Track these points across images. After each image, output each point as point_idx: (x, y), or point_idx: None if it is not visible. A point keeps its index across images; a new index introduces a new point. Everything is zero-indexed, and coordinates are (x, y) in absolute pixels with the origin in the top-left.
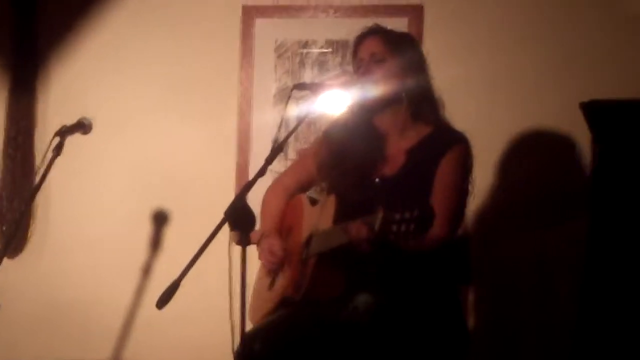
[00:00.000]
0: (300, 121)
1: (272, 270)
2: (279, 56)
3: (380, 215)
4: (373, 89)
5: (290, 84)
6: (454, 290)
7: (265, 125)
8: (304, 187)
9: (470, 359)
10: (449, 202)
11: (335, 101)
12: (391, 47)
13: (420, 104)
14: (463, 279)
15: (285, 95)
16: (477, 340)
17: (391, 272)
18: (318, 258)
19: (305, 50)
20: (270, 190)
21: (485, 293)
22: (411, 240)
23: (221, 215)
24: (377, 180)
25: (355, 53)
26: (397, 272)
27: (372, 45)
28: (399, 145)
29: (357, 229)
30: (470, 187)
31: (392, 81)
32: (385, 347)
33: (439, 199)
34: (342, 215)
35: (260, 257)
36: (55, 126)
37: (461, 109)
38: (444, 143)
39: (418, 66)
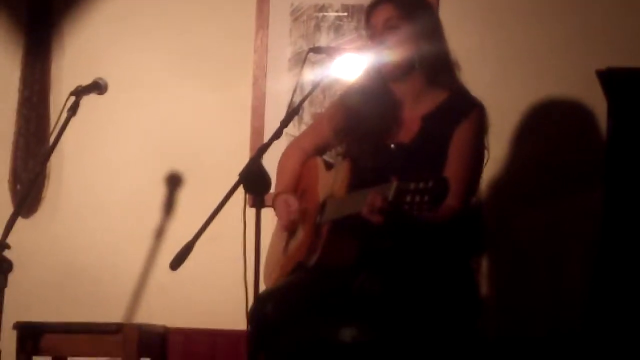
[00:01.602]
0: (315, 85)
1: (287, 226)
2: (295, 20)
3: (394, 185)
4: (387, 56)
5: (305, 48)
6: (466, 259)
7: (280, 89)
8: (320, 150)
9: (482, 328)
10: (463, 172)
11: (351, 65)
12: (405, 12)
13: (436, 69)
14: (476, 248)
15: (301, 60)
16: (489, 308)
17: (404, 242)
18: (332, 225)
19: (320, 14)
20: (287, 151)
21: (498, 262)
22: (425, 211)
23: (235, 179)
24: (392, 146)
25: (367, 20)
26: (410, 241)
27: (385, 12)
28: (415, 111)
29: (372, 199)
30: (485, 155)
31: (406, 47)
32: (397, 316)
33: (453, 168)
34: (357, 180)
35: (276, 213)
36: (69, 87)
37: (476, 78)
38: (460, 110)
39: (433, 31)
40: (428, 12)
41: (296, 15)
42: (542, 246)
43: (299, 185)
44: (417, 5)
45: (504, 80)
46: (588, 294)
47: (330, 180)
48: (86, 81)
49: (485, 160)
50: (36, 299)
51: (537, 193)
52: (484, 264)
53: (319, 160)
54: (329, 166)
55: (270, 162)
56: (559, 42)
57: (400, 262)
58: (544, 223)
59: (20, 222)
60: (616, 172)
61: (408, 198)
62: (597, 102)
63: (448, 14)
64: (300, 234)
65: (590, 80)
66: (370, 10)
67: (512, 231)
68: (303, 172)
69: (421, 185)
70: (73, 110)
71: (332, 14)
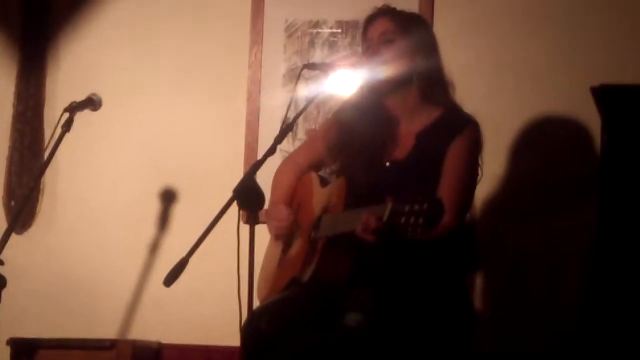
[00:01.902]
0: (309, 101)
1: (279, 235)
2: (289, 36)
3: (389, 206)
4: (382, 70)
5: (299, 64)
6: (461, 276)
7: (274, 105)
8: (314, 167)
9: (477, 345)
10: (457, 189)
11: (345, 82)
12: (400, 27)
13: (431, 85)
14: (471, 264)
15: (295, 76)
16: (484, 324)
17: (398, 260)
18: (326, 241)
19: (315, 30)
20: (281, 167)
21: (492, 280)
22: (419, 234)
23: (229, 194)
24: (387, 164)
25: (364, 34)
26: (405, 259)
27: (382, 26)
28: (409, 128)
29: (366, 219)
30: (479, 172)
31: (402, 62)
32: (391, 332)
33: (447, 185)
34: (352, 198)
35: (268, 223)
36: (64, 103)
37: (471, 92)
38: (454, 127)
39: (428, 47)
40: (424, 28)
41: (290, 31)
42: (537, 261)
43: (294, 200)
44: (414, 20)
45: (499, 95)
46: (583, 309)
47: (325, 197)
48: (81, 95)
49: (479, 178)
50: (30, 314)
51: (532, 208)
52: (479, 280)
53: (313, 176)
54: (323, 182)
55: (264, 179)
56: (554, 58)
57: (394, 279)
58: (538, 238)
59: (14, 236)
60: (610, 188)
61: (403, 219)
62: (591, 118)
63: (443, 29)
64: (295, 249)
65: (584, 96)
66: (367, 24)
67: (507, 247)
68: (298, 187)
69: (416, 207)
70: (67, 126)
71: (326, 31)
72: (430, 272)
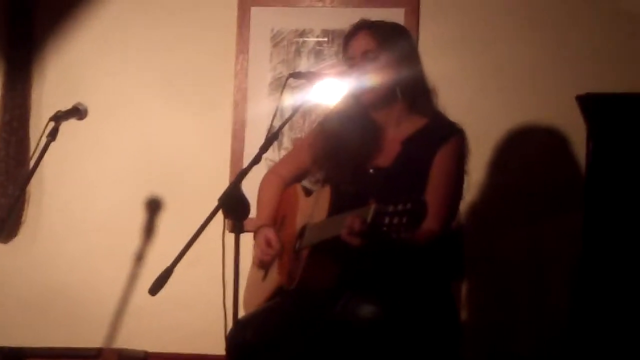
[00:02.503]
0: (295, 110)
1: (263, 264)
2: (275, 45)
3: (372, 207)
4: (367, 85)
5: (285, 73)
6: (447, 284)
7: (260, 114)
8: (299, 177)
9: (462, 353)
10: (443, 196)
11: (331, 91)
12: (383, 42)
13: (415, 96)
14: (456, 273)
15: (281, 85)
16: (469, 334)
17: (384, 266)
18: (312, 249)
19: (301, 39)
20: (265, 179)
21: (478, 287)
22: (403, 233)
23: (215, 203)
24: (371, 170)
25: (345, 50)
26: (391, 266)
27: (364, 43)
28: (395, 135)
29: (351, 221)
30: (465, 180)
31: (386, 77)
32: (377, 341)
33: (433, 193)
34: (337, 206)
35: (255, 250)
36: (50, 112)
37: (456, 101)
38: (440, 135)
39: (410, 58)
40: (405, 38)
41: (276, 40)
42: (524, 269)
43: (278, 213)
44: (394, 33)
45: (485, 104)
46: (569, 315)
47: (310, 206)
48: (67, 105)
49: (465, 189)
50: (16, 323)
51: (518, 216)
52: (465, 288)
53: (298, 188)
54: (308, 193)
55: (250, 187)
56: (539, 67)
57: (380, 285)
58: (525, 246)
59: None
60: (596, 195)
61: (386, 220)
62: (577, 127)
63: (428, 39)
64: (280, 261)
65: (570, 104)
66: (347, 41)
67: (493, 254)
68: (283, 199)
69: (399, 207)
70: (52, 135)
71: (312, 39)
72: (416, 280)
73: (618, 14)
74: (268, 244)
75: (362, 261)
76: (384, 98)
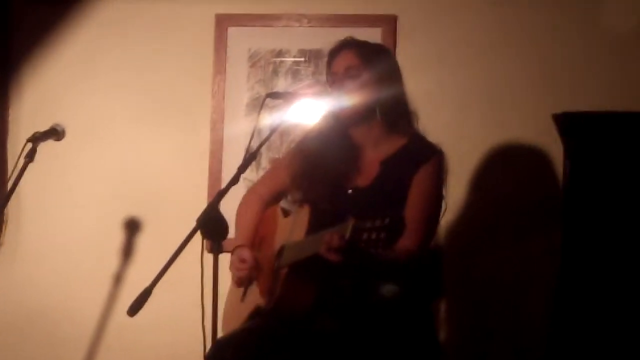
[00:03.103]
0: (273, 130)
1: (241, 281)
2: (252, 65)
3: (351, 223)
4: (348, 102)
5: (263, 93)
6: (426, 303)
7: (237, 134)
8: (278, 196)
9: None
10: (422, 217)
11: (309, 110)
12: (366, 60)
13: (395, 116)
14: (435, 292)
15: (258, 105)
16: (448, 353)
17: (363, 282)
18: (290, 269)
19: (278, 60)
20: (244, 201)
21: (457, 306)
22: (381, 248)
23: (193, 224)
24: (349, 191)
25: (329, 66)
26: (369, 282)
27: (347, 60)
28: (373, 156)
29: (329, 238)
30: (443, 201)
31: (367, 95)
32: (356, 358)
33: (412, 212)
34: (316, 225)
35: (230, 268)
36: (27, 133)
37: (434, 121)
38: (419, 155)
39: (393, 78)
40: (388, 59)
41: (254, 60)
42: (502, 287)
43: (257, 234)
44: (378, 52)
45: (462, 123)
46: (548, 333)
47: (289, 226)
48: (44, 126)
49: (443, 210)
50: None
51: (496, 235)
52: (444, 307)
53: (277, 209)
54: (286, 214)
55: (228, 208)
56: (516, 86)
57: (359, 305)
58: (503, 264)
59: None
60: (573, 213)
61: (365, 236)
62: (554, 145)
63: (406, 57)
64: (259, 282)
65: (547, 123)
66: (332, 57)
67: (472, 273)
68: (262, 221)
69: (377, 223)
70: (30, 156)
71: (289, 59)
72: (395, 299)
73: (597, 32)
74: (241, 260)
75: (341, 279)
76: (363, 116)
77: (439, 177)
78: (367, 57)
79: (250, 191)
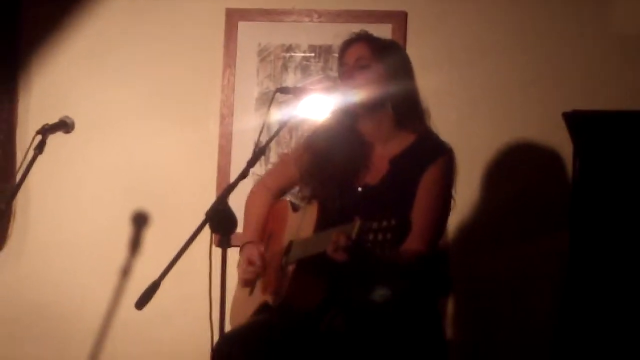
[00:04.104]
0: (282, 125)
1: (246, 282)
2: (262, 60)
3: (357, 223)
4: (356, 94)
5: (272, 87)
6: (433, 302)
7: (246, 129)
8: (287, 189)
9: None
10: (429, 218)
11: (318, 106)
12: (376, 53)
13: (405, 111)
14: (443, 291)
15: (267, 99)
16: (455, 352)
17: (371, 283)
18: (297, 265)
19: (288, 54)
20: (253, 192)
21: (465, 305)
22: (387, 249)
23: (202, 218)
24: (359, 189)
25: (341, 58)
26: (377, 283)
27: (358, 51)
28: (383, 153)
29: (336, 237)
30: (452, 201)
31: (376, 87)
32: (363, 357)
33: (420, 214)
34: (324, 222)
35: (237, 269)
36: (36, 126)
37: (443, 118)
38: (428, 154)
39: (403, 73)
40: (400, 54)
41: (263, 55)
42: (510, 287)
43: (266, 228)
44: (390, 47)
45: (472, 122)
46: (555, 334)
47: (298, 222)
48: (53, 119)
49: (451, 207)
50: (2, 337)
51: (504, 234)
52: (451, 306)
53: (287, 203)
54: (296, 208)
55: (237, 202)
56: (526, 85)
57: (366, 303)
58: (511, 264)
59: None
60: (582, 213)
61: (371, 236)
62: (564, 144)
63: (416, 54)
64: (266, 277)
65: (557, 122)
66: (344, 48)
67: (479, 273)
68: (271, 214)
69: (384, 223)
70: (39, 148)
71: (299, 54)
72: (402, 298)
73: (605, 31)
74: (250, 262)
75: (348, 277)
76: (373, 108)
77: (447, 177)
78: (378, 49)
79: (259, 183)
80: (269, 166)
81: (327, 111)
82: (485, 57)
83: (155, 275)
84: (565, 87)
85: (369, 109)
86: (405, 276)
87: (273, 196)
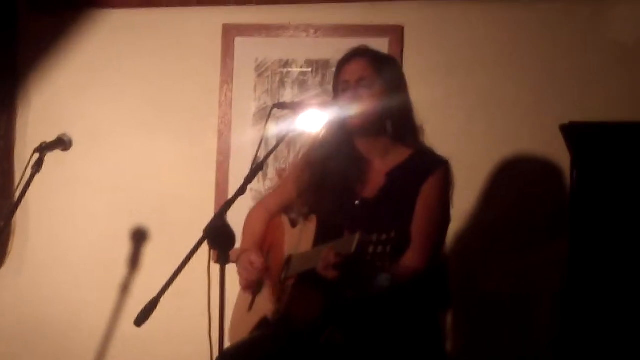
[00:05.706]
0: (280, 140)
1: (249, 284)
2: (259, 75)
3: (357, 236)
4: (355, 111)
5: (270, 103)
6: (433, 314)
7: (244, 144)
8: (286, 209)
9: None
10: (428, 230)
11: (315, 121)
12: (378, 70)
13: (402, 126)
14: (442, 303)
15: (265, 115)
16: None
17: (365, 295)
18: (297, 279)
19: (285, 70)
20: (252, 212)
21: (464, 317)
22: (387, 262)
23: (200, 234)
24: (356, 202)
25: (339, 74)
26: (376, 296)
27: (360, 69)
28: (380, 167)
29: (326, 255)
30: (450, 212)
31: (376, 104)
32: None
33: (418, 226)
34: (323, 237)
35: (238, 272)
36: (35, 144)
37: (440, 131)
38: (425, 167)
39: (401, 89)
40: (396, 69)
41: (261, 70)
42: (509, 299)
43: (264, 244)
44: (389, 63)
45: (469, 134)
46: (555, 344)
47: (296, 237)
48: (52, 136)
49: (451, 220)
50: (2, 354)
51: (503, 246)
52: (450, 318)
53: (284, 218)
54: (294, 223)
55: (235, 218)
56: (523, 97)
57: (364, 316)
58: (510, 275)
59: None
60: (580, 224)
61: (370, 249)
62: (561, 156)
63: (412, 67)
64: (266, 292)
65: (553, 134)
66: (342, 65)
67: (479, 284)
68: (269, 230)
69: (383, 236)
70: (37, 166)
71: (296, 70)
72: (401, 310)
73: (604, 43)
74: (251, 263)
75: (342, 292)
76: (372, 126)
77: (445, 189)
78: (379, 67)
79: (259, 205)
80: (267, 182)
81: (325, 126)
82: (482, 69)
83: (154, 292)
84: (562, 99)
85: (369, 127)
86: (405, 288)
87: (272, 216)
